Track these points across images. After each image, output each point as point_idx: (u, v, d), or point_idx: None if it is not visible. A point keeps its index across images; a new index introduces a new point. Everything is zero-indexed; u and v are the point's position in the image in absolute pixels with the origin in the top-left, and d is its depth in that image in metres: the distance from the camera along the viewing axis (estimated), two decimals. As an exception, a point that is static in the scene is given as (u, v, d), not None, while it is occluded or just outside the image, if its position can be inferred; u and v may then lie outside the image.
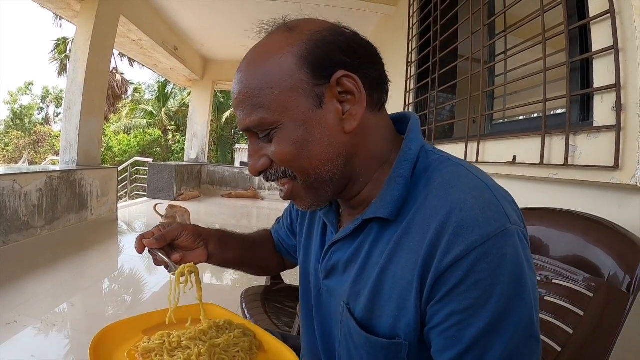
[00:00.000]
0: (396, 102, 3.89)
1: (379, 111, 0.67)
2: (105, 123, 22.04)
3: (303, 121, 0.60)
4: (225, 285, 3.62)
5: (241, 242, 1.01)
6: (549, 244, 1.06)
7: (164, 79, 21.42)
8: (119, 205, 5.78)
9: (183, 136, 21.57)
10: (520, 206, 1.26)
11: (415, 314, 0.56)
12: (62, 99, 27.82)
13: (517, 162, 1.71)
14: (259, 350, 0.76)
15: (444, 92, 3.02)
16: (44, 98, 33.31)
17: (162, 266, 0.83)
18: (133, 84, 26.87)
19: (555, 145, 1.47)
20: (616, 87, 1.17)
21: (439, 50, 2.88)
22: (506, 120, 2.20)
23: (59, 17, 14.92)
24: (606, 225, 0.97)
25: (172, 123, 25.52)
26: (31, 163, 27.19)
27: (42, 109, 33.46)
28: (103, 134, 6.03)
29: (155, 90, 26.28)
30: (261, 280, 2.09)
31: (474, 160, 2.10)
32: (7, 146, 30.12)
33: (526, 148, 1.66)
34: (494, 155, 1.96)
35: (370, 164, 0.66)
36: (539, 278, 0.97)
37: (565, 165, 1.38)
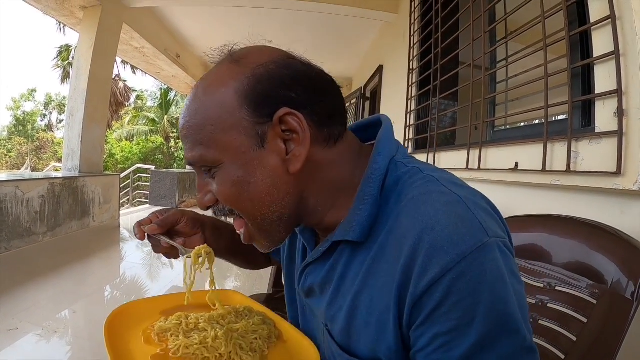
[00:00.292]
0: (398, 110, 3.90)
1: (334, 144, 0.62)
2: (108, 130, 22.15)
3: (244, 161, 0.57)
4: (227, 292, 3.59)
5: (232, 232, 0.98)
6: (551, 250, 1.06)
7: (166, 87, 21.50)
8: (121, 212, 5.79)
9: (185, 143, 21.57)
10: (522, 213, 1.27)
11: (396, 336, 0.54)
12: (64, 106, 28.04)
13: (519, 168, 1.70)
14: (278, 340, 0.74)
15: (446, 99, 3.01)
16: (46, 105, 33.53)
17: (164, 254, 0.81)
18: (135, 91, 27.07)
19: (557, 152, 1.47)
20: (618, 92, 1.17)
21: (440, 58, 2.88)
22: (508, 127, 2.20)
23: (62, 25, 15.06)
24: (609, 232, 0.97)
25: (175, 130, 25.60)
26: (33, 169, 27.26)
27: (44, 115, 33.67)
28: (105, 141, 6.05)
29: (157, 98, 26.42)
30: (263, 288, 2.08)
31: (476, 167, 2.09)
32: (10, 152, 30.26)
33: (528, 155, 1.66)
34: (495, 162, 1.96)
35: (327, 196, 0.63)
36: (541, 285, 0.97)
37: (568, 171, 1.38)
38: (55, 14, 5.21)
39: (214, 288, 0.80)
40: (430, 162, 2.82)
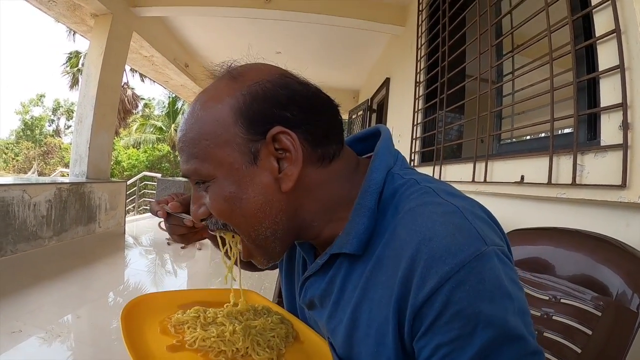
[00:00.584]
0: (404, 122, 3.91)
1: (329, 164, 0.62)
2: (115, 137, 22.26)
3: (236, 178, 0.58)
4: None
5: None
6: (556, 263, 1.06)
7: (174, 95, 21.67)
8: (126, 219, 5.80)
9: (191, 152, 21.64)
10: (528, 226, 1.27)
11: (395, 349, 0.54)
12: (72, 112, 28.29)
13: (525, 182, 1.71)
14: (295, 340, 0.74)
15: (452, 112, 3.03)
16: (55, 110, 33.82)
17: (178, 238, 0.79)
18: (143, 99, 27.24)
19: (563, 165, 1.47)
20: (623, 106, 1.18)
21: (447, 71, 2.90)
22: (514, 140, 2.21)
23: (72, 32, 15.26)
24: (614, 244, 0.97)
25: (181, 139, 25.64)
26: (40, 174, 27.45)
27: (52, 120, 33.94)
28: (113, 148, 6.08)
29: (165, 106, 26.60)
30: (268, 297, 2.08)
31: (482, 180, 2.10)
32: (17, 156, 30.49)
33: (534, 168, 1.66)
34: (501, 175, 1.96)
35: (323, 211, 0.63)
36: (546, 297, 0.97)
37: (573, 184, 1.38)
38: (66, 21, 5.29)
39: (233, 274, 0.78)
40: (437, 175, 2.82)
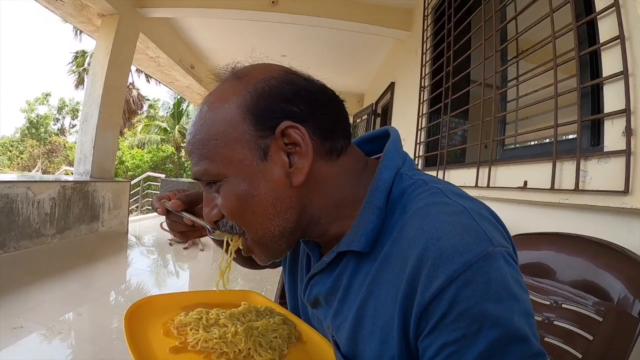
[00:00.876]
0: (409, 127, 3.91)
1: (337, 157, 0.62)
2: (120, 137, 22.37)
3: (247, 175, 0.58)
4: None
5: None
6: (558, 268, 1.06)
7: (179, 97, 21.75)
8: (130, 218, 5.82)
9: (195, 153, 21.70)
10: (530, 231, 1.27)
11: (399, 348, 0.54)
12: (78, 111, 28.41)
13: (528, 187, 1.70)
14: (298, 341, 0.74)
15: (456, 117, 3.03)
16: (60, 109, 34.05)
17: (178, 235, 0.79)
18: (149, 100, 27.38)
19: (566, 171, 1.47)
20: (626, 112, 1.18)
21: (451, 76, 2.91)
22: (517, 145, 2.20)
23: (79, 31, 15.37)
24: (616, 250, 0.97)
25: (185, 140, 25.74)
26: (44, 172, 27.53)
27: (57, 119, 34.18)
28: (117, 148, 6.10)
29: (170, 108, 26.69)
30: (270, 297, 2.08)
31: (485, 185, 2.10)
32: (22, 154, 30.65)
33: (537, 173, 1.67)
34: (505, 180, 1.96)
35: (331, 208, 0.63)
36: (548, 302, 0.97)
37: (576, 190, 1.38)
38: (73, 21, 5.33)
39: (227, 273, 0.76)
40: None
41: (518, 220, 1.80)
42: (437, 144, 3.12)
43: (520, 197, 1.78)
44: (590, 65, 1.48)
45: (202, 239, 4.75)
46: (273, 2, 4.73)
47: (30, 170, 28.51)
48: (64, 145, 31.23)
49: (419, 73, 3.72)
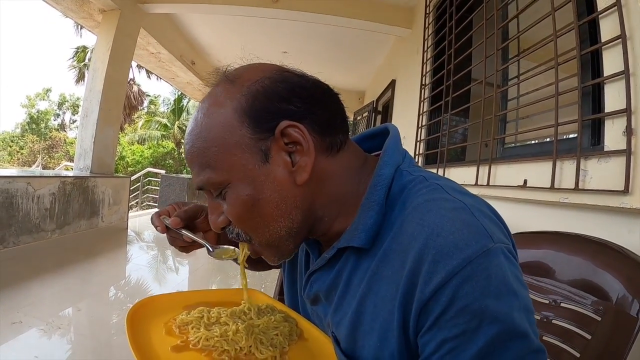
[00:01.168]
0: (409, 125, 3.91)
1: (337, 152, 0.62)
2: (120, 133, 22.37)
3: (251, 179, 0.57)
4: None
5: None
6: (557, 267, 1.06)
7: (179, 93, 21.73)
8: (129, 214, 5.82)
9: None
10: (529, 230, 1.27)
11: (399, 344, 0.54)
12: (78, 106, 28.37)
13: (527, 186, 1.70)
14: (299, 338, 0.74)
15: (457, 115, 3.03)
16: (60, 104, 34.01)
17: (179, 248, 0.80)
18: (149, 95, 27.36)
19: (566, 170, 1.47)
20: (627, 111, 1.18)
21: (452, 74, 2.90)
22: (518, 144, 2.20)
23: (79, 26, 15.34)
24: (615, 249, 0.97)
25: (185, 136, 25.70)
26: (44, 167, 27.52)
27: (58, 115, 34.13)
28: (117, 144, 6.10)
29: (170, 104, 26.68)
30: (269, 294, 2.08)
31: (485, 183, 2.10)
32: (22, 149, 30.61)
33: (537, 172, 1.66)
34: (505, 179, 1.96)
35: (334, 206, 0.63)
36: (546, 301, 0.97)
37: (576, 189, 1.38)
38: (74, 16, 5.32)
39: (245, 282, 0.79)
40: (439, 176, 2.81)
41: (518, 219, 1.80)
42: (438, 142, 3.12)
43: (520, 195, 1.78)
44: (592, 64, 1.47)
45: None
46: (274, -2, 4.72)
47: (30, 166, 28.49)
48: (65, 140, 31.19)
49: (420, 71, 3.72)
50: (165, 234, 0.81)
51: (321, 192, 0.62)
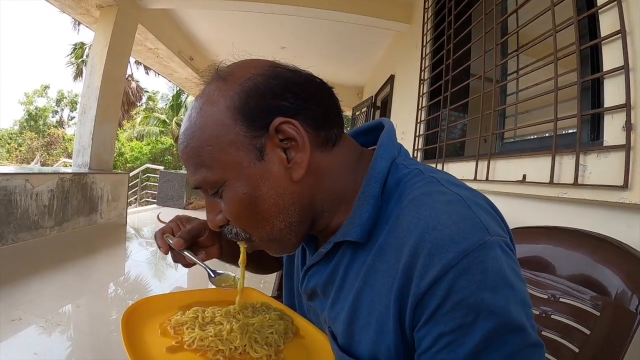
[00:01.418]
0: (408, 120, 3.91)
1: (332, 147, 0.62)
2: (119, 129, 22.31)
3: (247, 177, 0.57)
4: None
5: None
6: (556, 262, 1.06)
7: (178, 89, 21.66)
8: (128, 210, 5.82)
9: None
10: (528, 225, 1.27)
11: (395, 338, 0.54)
12: (76, 103, 28.31)
13: (527, 181, 1.70)
14: (295, 336, 0.74)
15: (456, 111, 3.02)
16: (58, 101, 33.86)
17: (180, 263, 0.81)
18: (147, 92, 27.28)
19: (565, 165, 1.47)
20: (626, 106, 1.18)
21: (451, 69, 2.90)
22: (517, 139, 2.20)
23: (77, 23, 15.28)
24: (614, 244, 0.97)
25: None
26: (43, 164, 27.45)
27: (56, 112, 33.98)
28: (116, 140, 6.09)
29: (169, 99, 26.59)
30: (268, 290, 2.08)
31: (484, 178, 2.09)
32: (20, 146, 30.51)
33: (536, 167, 1.66)
34: (504, 174, 1.96)
35: (332, 200, 0.63)
36: (545, 296, 0.97)
37: (575, 184, 1.38)
38: (71, 12, 5.28)
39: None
40: (438, 172, 2.81)
41: (517, 213, 1.80)
42: (437, 137, 3.12)
43: (519, 190, 1.78)
44: (591, 59, 1.47)
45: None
46: (272, -7, 4.70)
47: (29, 163, 28.39)
48: (63, 137, 31.09)
49: (419, 66, 3.71)
50: (152, 240, 0.81)
51: (318, 187, 0.61)
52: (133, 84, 20.07)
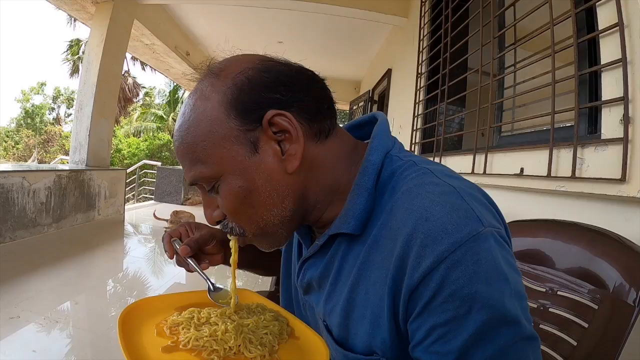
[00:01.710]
0: (405, 113, 3.90)
1: (325, 138, 0.62)
2: (116, 125, 22.26)
3: (241, 170, 0.58)
4: (228, 290, 3.61)
5: (253, 247, 0.99)
6: (554, 255, 1.06)
7: (175, 84, 21.61)
8: (126, 207, 5.81)
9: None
10: (526, 218, 1.27)
11: (390, 330, 0.54)
12: (73, 100, 28.24)
13: (524, 174, 1.70)
14: (290, 337, 0.74)
15: (453, 104, 3.02)
16: (55, 98, 33.73)
17: (183, 268, 0.82)
18: (144, 87, 27.19)
19: (563, 158, 1.47)
20: (624, 99, 1.18)
21: (449, 62, 2.89)
22: (514, 132, 2.20)
23: (73, 19, 15.20)
24: (612, 238, 0.97)
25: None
26: (40, 162, 27.41)
27: (53, 109, 33.86)
28: (113, 136, 6.07)
29: (166, 95, 26.54)
30: (265, 286, 2.08)
31: (482, 172, 2.10)
32: (17, 144, 30.42)
33: (534, 160, 1.66)
34: (501, 167, 1.96)
35: (326, 193, 0.63)
36: (543, 289, 0.97)
37: (573, 177, 1.38)
38: (67, 8, 5.25)
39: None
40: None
41: (514, 207, 1.80)
42: (434, 130, 3.12)
43: (517, 184, 1.78)
44: (589, 52, 1.47)
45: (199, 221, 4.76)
46: (269, -13, 4.68)
47: (26, 161, 28.38)
48: (60, 134, 31.03)
49: (416, 60, 3.70)
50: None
51: (313, 179, 0.62)
52: (130, 80, 20.04)
